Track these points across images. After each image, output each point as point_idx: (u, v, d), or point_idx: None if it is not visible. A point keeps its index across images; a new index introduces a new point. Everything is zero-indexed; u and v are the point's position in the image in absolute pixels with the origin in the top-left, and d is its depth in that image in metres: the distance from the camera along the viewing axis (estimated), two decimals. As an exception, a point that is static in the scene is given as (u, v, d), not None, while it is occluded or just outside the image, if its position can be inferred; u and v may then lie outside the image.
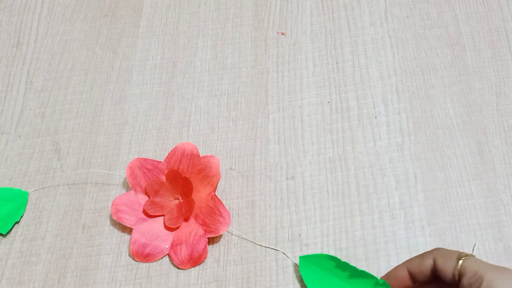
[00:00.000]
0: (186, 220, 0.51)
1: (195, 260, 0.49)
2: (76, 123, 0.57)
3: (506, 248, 0.48)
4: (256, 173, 0.53)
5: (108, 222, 0.52)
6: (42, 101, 0.59)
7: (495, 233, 0.49)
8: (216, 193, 0.51)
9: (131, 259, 0.50)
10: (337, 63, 0.59)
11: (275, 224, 0.51)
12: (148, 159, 0.52)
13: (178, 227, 0.51)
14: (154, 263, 0.50)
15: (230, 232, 0.51)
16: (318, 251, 0.49)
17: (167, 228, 0.51)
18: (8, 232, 0.52)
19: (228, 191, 0.53)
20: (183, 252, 0.49)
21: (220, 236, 0.50)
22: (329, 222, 0.51)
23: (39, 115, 0.58)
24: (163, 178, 0.52)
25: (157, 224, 0.51)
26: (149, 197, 0.52)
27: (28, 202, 0.53)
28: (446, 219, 0.50)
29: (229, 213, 0.49)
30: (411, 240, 0.49)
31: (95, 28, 0.63)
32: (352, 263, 0.48)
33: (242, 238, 0.50)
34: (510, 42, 0.59)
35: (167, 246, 0.50)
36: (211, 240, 0.50)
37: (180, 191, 0.51)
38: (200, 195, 0.51)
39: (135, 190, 0.52)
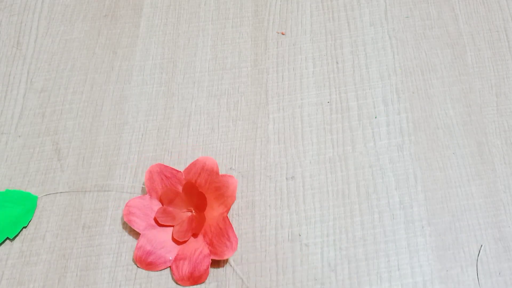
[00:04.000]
0: (194, 236, 0.50)
1: (195, 279, 0.48)
2: (76, 123, 0.57)
3: (506, 248, 0.48)
4: (256, 173, 0.53)
5: (108, 222, 0.52)
6: (42, 101, 0.59)
7: (495, 233, 0.49)
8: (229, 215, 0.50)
9: (131, 259, 0.50)
10: (337, 63, 0.59)
11: (275, 224, 0.51)
12: (168, 166, 0.52)
13: (185, 242, 0.50)
14: (154, 263, 0.50)
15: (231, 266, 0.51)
16: (318, 251, 0.49)
17: (175, 240, 0.50)
18: (15, 236, 0.51)
19: (228, 191, 0.53)
20: (185, 268, 0.48)
21: (225, 261, 0.49)
22: (329, 222, 0.51)
23: (39, 115, 0.58)
24: (180, 189, 0.51)
25: (166, 234, 0.50)
26: (162, 205, 0.51)
27: (28, 202, 0.53)
28: (446, 219, 0.50)
29: (237, 239, 0.48)
30: (411, 240, 0.49)
31: (95, 28, 0.63)
32: (352, 263, 0.48)
33: (242, 238, 0.50)
34: (510, 42, 0.59)
35: (171, 258, 0.49)
36: (216, 263, 0.49)
37: (194, 204, 0.50)
38: (213, 213, 0.50)
39: (150, 195, 0.51)
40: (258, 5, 0.63)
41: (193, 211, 0.51)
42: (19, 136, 0.57)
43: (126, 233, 0.51)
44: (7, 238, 0.51)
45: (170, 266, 0.49)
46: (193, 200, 0.50)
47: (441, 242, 0.49)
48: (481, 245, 0.49)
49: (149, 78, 0.59)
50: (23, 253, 0.51)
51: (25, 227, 0.51)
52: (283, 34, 0.61)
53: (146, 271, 0.49)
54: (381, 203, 0.51)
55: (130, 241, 0.51)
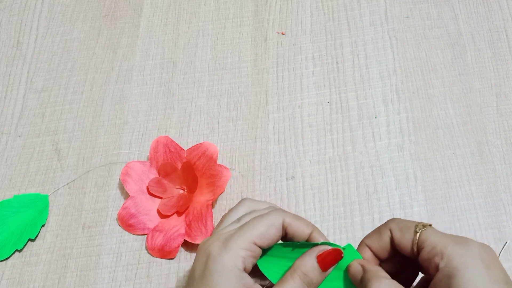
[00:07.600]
0: (178, 214, 0.51)
1: (165, 253, 0.49)
2: (76, 123, 0.57)
3: (506, 248, 0.48)
4: (256, 173, 0.53)
5: (108, 222, 0.52)
6: (42, 101, 0.59)
7: (495, 233, 0.49)
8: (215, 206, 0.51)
9: (131, 259, 0.50)
10: (337, 63, 0.59)
11: (275, 224, 0.51)
12: (174, 141, 0.53)
13: (168, 216, 0.51)
14: (154, 263, 0.50)
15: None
16: (318, 251, 0.49)
17: (158, 212, 0.51)
18: (36, 236, 0.51)
19: (228, 191, 0.53)
20: (159, 240, 0.50)
21: (197, 245, 0.50)
22: (329, 222, 0.51)
23: (39, 115, 0.58)
24: (179, 166, 0.52)
25: (153, 203, 0.52)
26: (159, 176, 0.52)
27: (28, 202, 0.53)
28: (446, 219, 0.50)
29: (212, 229, 0.49)
30: (411, 240, 0.49)
31: (95, 28, 0.63)
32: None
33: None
34: (510, 42, 0.59)
35: (150, 227, 0.51)
36: (190, 245, 0.50)
37: (188, 184, 0.52)
38: (200, 197, 0.51)
39: (151, 163, 0.53)
40: (258, 5, 0.63)
41: (185, 190, 0.52)
42: (19, 136, 0.57)
43: (126, 233, 0.51)
44: (30, 239, 0.51)
45: (146, 234, 0.50)
46: (187, 180, 0.52)
47: (441, 242, 0.49)
48: (506, 242, 0.49)
49: (149, 78, 0.59)
50: (23, 253, 0.51)
51: (43, 225, 0.52)
52: (283, 34, 0.61)
53: (146, 271, 0.49)
54: (381, 203, 0.51)
55: (130, 241, 0.51)
